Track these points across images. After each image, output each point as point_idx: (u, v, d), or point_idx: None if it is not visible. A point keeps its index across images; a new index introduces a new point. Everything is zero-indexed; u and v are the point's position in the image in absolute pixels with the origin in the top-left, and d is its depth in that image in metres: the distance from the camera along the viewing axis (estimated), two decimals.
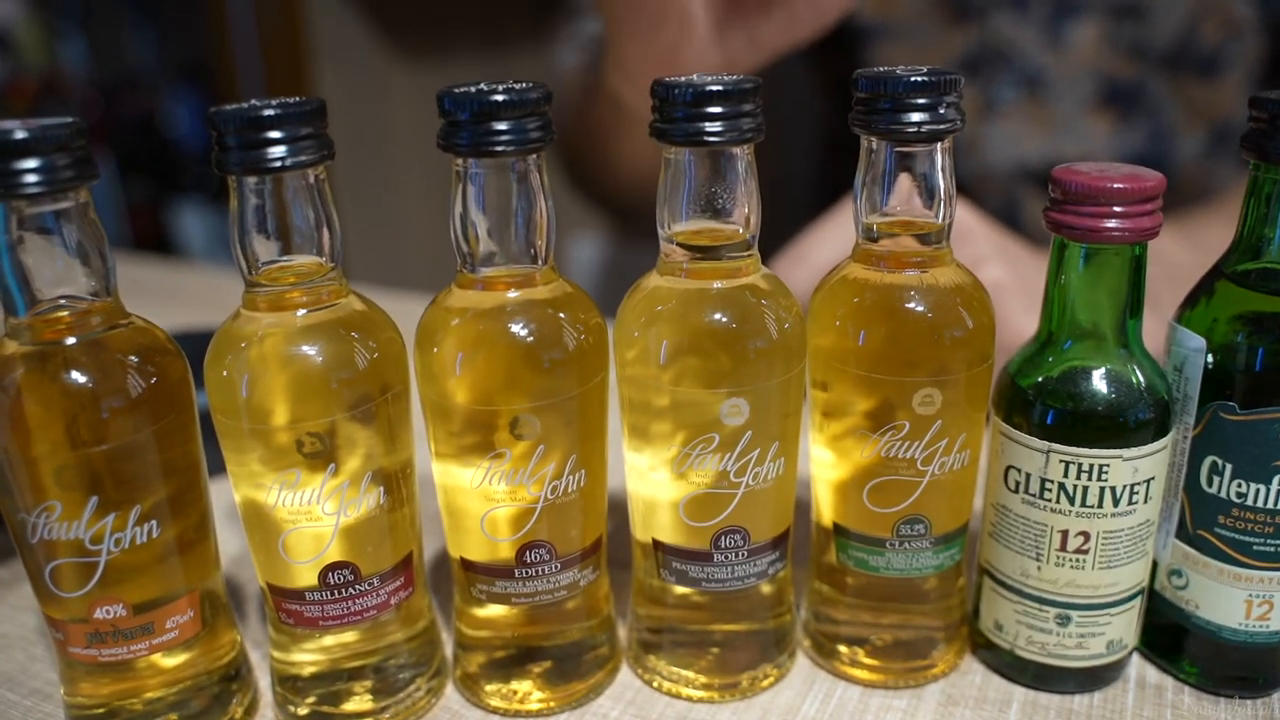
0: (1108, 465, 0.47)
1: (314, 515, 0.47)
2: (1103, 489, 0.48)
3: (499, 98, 0.43)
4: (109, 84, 2.59)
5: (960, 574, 0.54)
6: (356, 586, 0.48)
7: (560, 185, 1.15)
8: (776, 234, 0.73)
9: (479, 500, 0.48)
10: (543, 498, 0.48)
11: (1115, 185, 0.45)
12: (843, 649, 0.54)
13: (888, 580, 0.52)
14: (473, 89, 0.44)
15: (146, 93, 2.57)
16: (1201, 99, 1.00)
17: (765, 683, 0.53)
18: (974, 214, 0.75)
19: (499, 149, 0.44)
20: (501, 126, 0.44)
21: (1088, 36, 0.99)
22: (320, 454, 0.46)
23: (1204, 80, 0.99)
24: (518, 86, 0.44)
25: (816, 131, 1.34)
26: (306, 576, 0.48)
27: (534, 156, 0.46)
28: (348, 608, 0.49)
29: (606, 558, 0.54)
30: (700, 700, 0.53)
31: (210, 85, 2.29)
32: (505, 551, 0.49)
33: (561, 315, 0.47)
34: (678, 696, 0.53)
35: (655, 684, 0.54)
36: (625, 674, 0.55)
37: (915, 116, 0.45)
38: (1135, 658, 0.55)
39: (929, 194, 0.47)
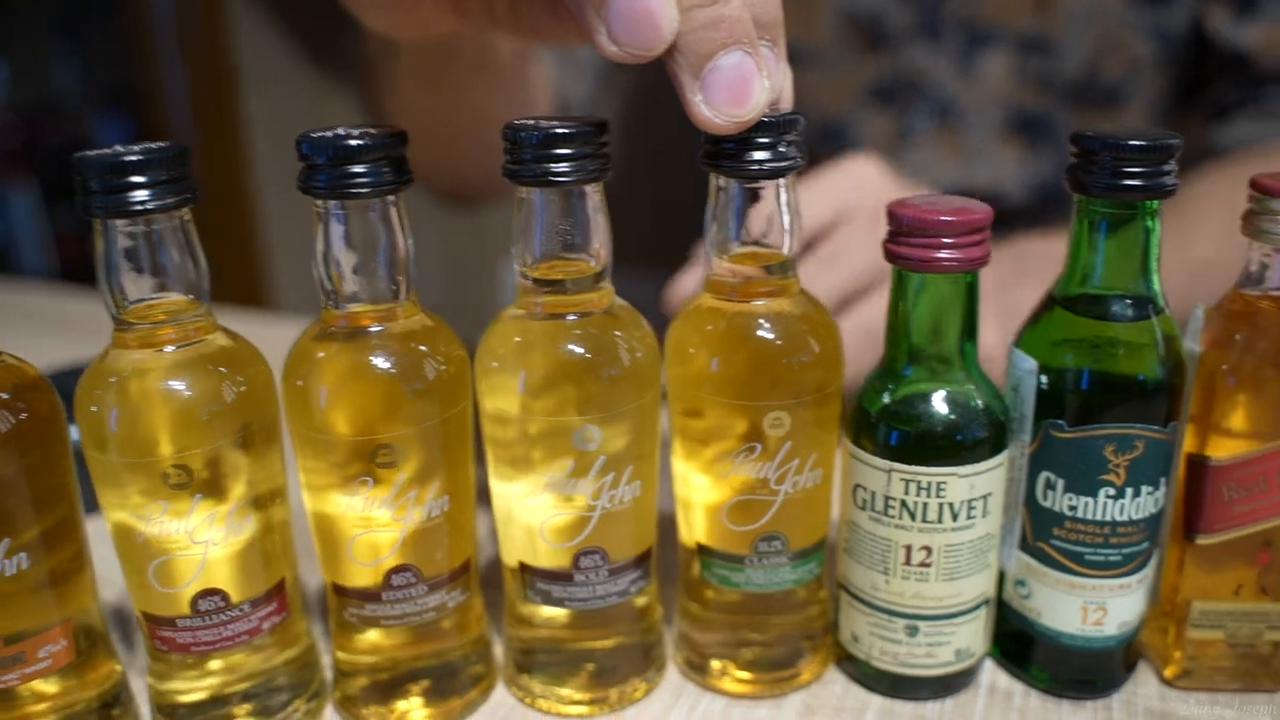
0: (945, 482, 0.50)
1: (183, 545, 0.48)
2: (941, 505, 0.50)
3: (355, 142, 0.45)
4: (32, 110, 2.58)
5: (821, 586, 0.56)
6: (228, 612, 0.50)
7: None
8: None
9: (346, 526, 0.50)
10: (406, 523, 0.50)
11: (944, 218, 0.47)
12: (714, 663, 0.56)
13: (750, 595, 0.54)
14: (329, 133, 0.46)
15: (72, 119, 2.56)
16: None
17: (635, 696, 0.55)
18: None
19: (356, 191, 0.46)
20: (358, 169, 0.46)
21: (998, 68, 1.02)
22: (188, 485, 0.47)
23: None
24: (373, 131, 0.46)
25: None
26: (178, 604, 0.49)
27: (391, 197, 0.47)
28: (220, 633, 0.50)
29: (478, 579, 0.55)
30: (572, 715, 0.54)
31: (137, 110, 2.28)
32: (373, 576, 0.51)
33: (423, 347, 0.49)
34: (550, 713, 0.55)
35: (528, 701, 0.55)
36: (500, 691, 0.57)
37: (758, 155, 0.48)
38: (989, 665, 0.58)
39: (775, 227, 0.50)
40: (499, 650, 0.58)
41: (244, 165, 1.82)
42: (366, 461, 0.49)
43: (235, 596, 0.50)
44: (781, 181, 0.49)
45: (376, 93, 0.89)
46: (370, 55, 0.86)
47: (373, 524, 0.50)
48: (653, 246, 1.02)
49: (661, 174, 1.21)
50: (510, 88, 0.83)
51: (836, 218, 0.77)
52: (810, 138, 1.11)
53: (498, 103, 0.83)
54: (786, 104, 0.50)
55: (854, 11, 1.04)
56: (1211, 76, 1.01)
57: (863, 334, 0.71)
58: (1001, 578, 0.56)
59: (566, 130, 0.46)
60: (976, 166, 1.06)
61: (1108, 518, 0.51)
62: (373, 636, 0.53)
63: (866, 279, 0.74)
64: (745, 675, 0.56)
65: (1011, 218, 0.81)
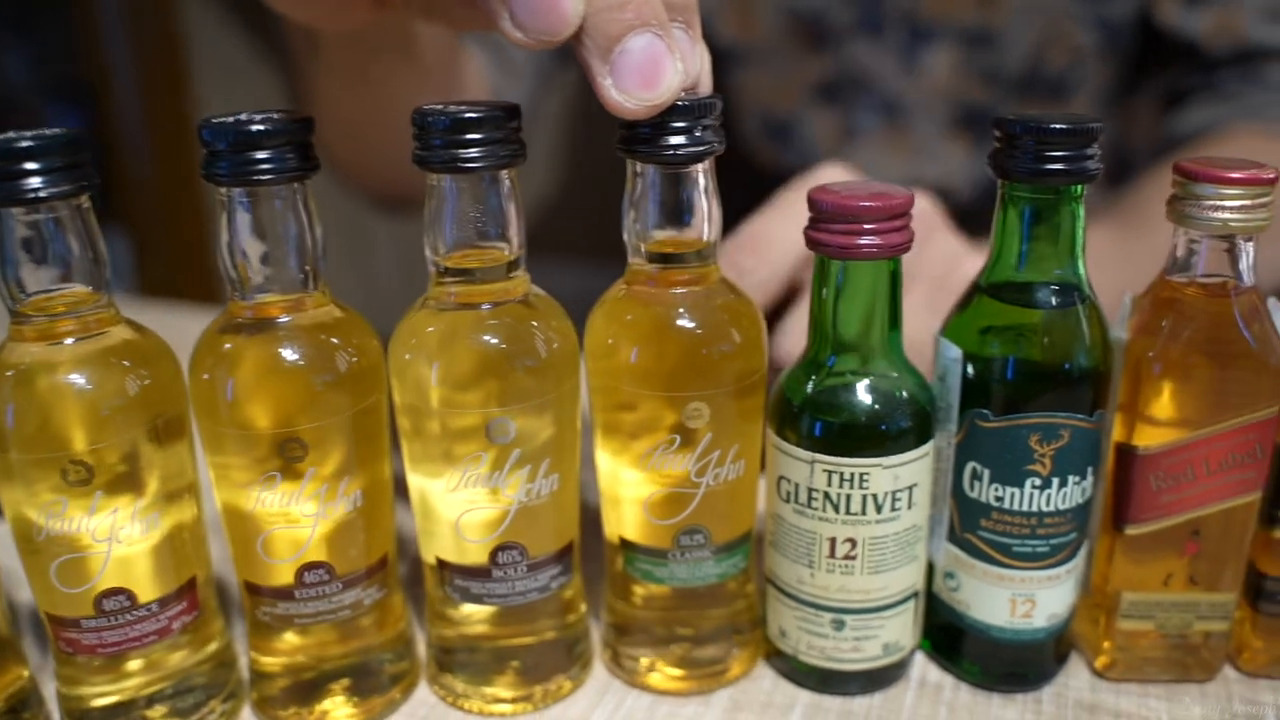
0: (869, 474, 0.49)
1: (83, 543, 0.47)
2: (865, 496, 0.49)
3: (257, 127, 0.44)
4: None
5: (749, 580, 0.55)
6: (134, 612, 0.48)
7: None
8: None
9: (256, 523, 0.49)
10: (317, 519, 0.49)
11: (864, 204, 0.46)
12: (641, 660, 0.55)
13: (675, 590, 0.53)
14: (231, 119, 0.45)
15: (24, 113, 2.52)
16: None
17: (560, 694, 0.54)
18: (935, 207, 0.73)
19: (259, 178, 0.45)
20: (262, 155, 0.44)
21: (942, 63, 1.01)
22: (89, 482, 0.46)
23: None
24: (277, 115, 0.45)
25: None
26: (82, 604, 0.48)
27: (298, 184, 0.46)
28: (126, 634, 0.49)
29: (398, 575, 0.54)
30: (494, 714, 0.53)
31: (90, 104, 2.26)
32: (285, 573, 0.49)
33: (334, 339, 0.48)
34: (473, 712, 0.54)
35: (451, 700, 0.54)
36: (423, 690, 0.55)
37: (674, 140, 0.46)
38: (921, 659, 0.57)
39: (693, 214, 0.49)
40: (423, 648, 0.57)
41: (195, 158, 1.79)
42: (275, 456, 0.48)
43: (142, 596, 0.49)
44: (700, 167, 0.48)
45: (304, 89, 0.87)
46: (295, 49, 0.85)
47: (283, 520, 0.48)
48: (595, 240, 1.01)
49: (611, 169, 1.20)
50: (439, 85, 0.82)
51: None
52: (757, 137, 1.10)
53: (424, 101, 0.81)
54: (705, 88, 0.49)
55: (796, 9, 1.03)
56: (1159, 65, 1.01)
57: None
58: (931, 570, 0.55)
59: (476, 115, 0.45)
60: (925, 162, 1.05)
61: (1034, 508, 0.50)
62: (288, 636, 0.52)
63: None
64: (673, 671, 0.55)
65: (961, 212, 0.80)
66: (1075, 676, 0.55)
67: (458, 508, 0.50)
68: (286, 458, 0.47)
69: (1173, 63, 0.99)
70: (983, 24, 0.98)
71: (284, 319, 0.48)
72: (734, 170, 0.76)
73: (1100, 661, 0.55)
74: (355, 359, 0.48)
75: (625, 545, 0.53)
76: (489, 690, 0.54)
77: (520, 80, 1.00)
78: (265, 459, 0.48)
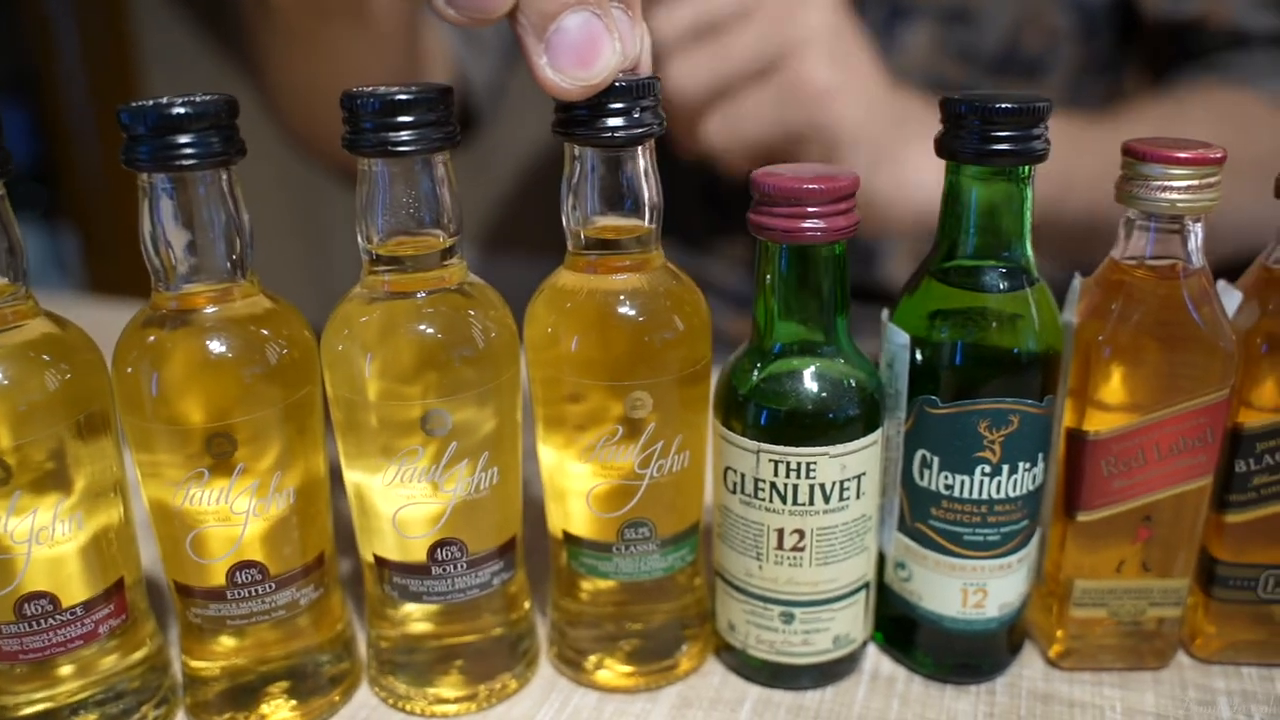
0: (815, 463, 0.48)
1: (3, 545, 0.45)
2: (812, 486, 0.48)
3: (178, 110, 0.42)
4: None
5: (697, 573, 0.54)
6: (58, 616, 0.47)
7: None
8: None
9: (184, 521, 0.47)
10: (249, 516, 0.47)
11: (808, 186, 0.45)
12: (590, 657, 0.54)
13: (620, 585, 0.52)
14: (151, 101, 0.43)
15: None
16: None
17: (506, 693, 0.53)
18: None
19: (180, 163, 0.43)
20: (183, 140, 0.43)
21: (920, 40, 1.01)
22: (5, 482, 0.44)
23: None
24: (199, 99, 0.43)
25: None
26: (0, 610, 0.46)
27: (223, 169, 0.44)
28: (49, 639, 0.47)
29: (336, 574, 0.53)
30: (438, 715, 0.52)
31: (37, 98, 2.22)
32: (215, 574, 0.48)
33: (264, 331, 0.47)
34: (415, 713, 0.52)
35: (392, 702, 0.53)
36: (364, 692, 0.54)
37: (612, 122, 0.45)
38: (874, 651, 0.56)
39: (634, 198, 0.47)
40: (365, 648, 0.55)
41: None
42: (204, 452, 0.46)
43: (66, 600, 0.47)
44: (640, 149, 0.47)
45: (258, 57, 0.85)
46: (247, 14, 0.83)
47: (212, 518, 0.47)
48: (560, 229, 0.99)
49: None
50: (394, 56, 0.80)
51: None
52: None
53: (380, 71, 0.79)
54: (645, 69, 0.48)
55: None
56: (1140, 49, 1.01)
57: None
58: (882, 561, 0.54)
59: (407, 97, 0.44)
60: None
61: (984, 496, 0.49)
62: (221, 638, 0.50)
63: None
64: (621, 668, 0.54)
65: None
66: (1029, 666, 0.54)
67: (395, 503, 0.48)
68: (215, 454, 0.46)
69: (1160, 47, 0.99)
70: (962, 2, 0.98)
71: (210, 310, 0.46)
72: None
73: (1054, 650, 0.54)
74: (286, 350, 0.47)
75: (569, 539, 0.52)
76: (432, 691, 0.52)
77: (486, 54, 0.98)
78: (194, 455, 0.46)
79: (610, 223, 0.48)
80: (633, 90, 0.45)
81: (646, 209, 0.48)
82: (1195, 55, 0.96)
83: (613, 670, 0.54)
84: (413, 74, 0.85)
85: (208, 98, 0.44)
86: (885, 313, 0.51)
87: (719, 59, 0.69)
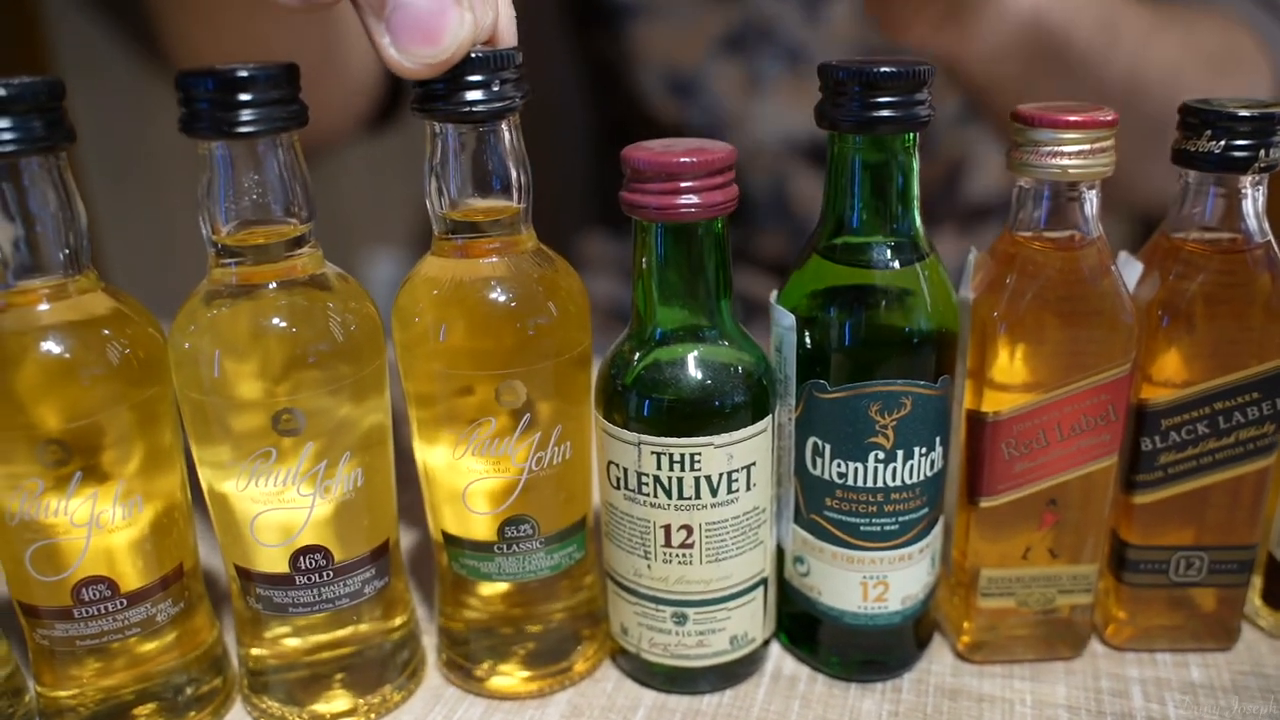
0: (699, 454, 0.45)
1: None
2: (698, 479, 0.46)
3: None
4: None
5: (588, 571, 0.52)
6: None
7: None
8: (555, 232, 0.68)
9: (22, 536, 0.44)
10: (90, 528, 0.44)
11: (681, 160, 0.43)
12: (481, 664, 0.51)
13: (506, 586, 0.49)
14: None
15: None
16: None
17: (388, 706, 0.50)
18: None
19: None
20: (2, 124, 0.40)
21: (844, 11, 0.99)
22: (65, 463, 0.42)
23: None
24: (16, 81, 0.40)
25: (589, 115, 1.31)
26: None
27: (51, 155, 0.41)
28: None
29: (202, 586, 0.49)
30: None
31: None
32: (59, 591, 0.44)
33: (104, 330, 0.43)
34: None
35: None
36: (238, 711, 0.51)
37: (470, 96, 0.42)
38: (779, 651, 0.53)
39: (501, 177, 0.45)
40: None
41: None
42: (33, 460, 0.42)
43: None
44: (505, 125, 0.44)
45: (163, 34, 0.82)
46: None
47: (51, 531, 0.43)
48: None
49: (544, 140, 1.14)
50: (312, 36, 0.76)
51: None
52: (659, 94, 1.06)
53: (290, 47, 0.76)
54: (508, 39, 0.45)
55: None
56: None
57: None
58: (781, 555, 0.52)
59: (246, 74, 0.40)
60: None
61: (879, 484, 0.47)
62: (74, 661, 0.47)
63: None
64: (513, 673, 0.51)
65: None
66: (939, 661, 0.52)
67: (250, 509, 0.45)
68: (48, 462, 0.43)
69: None
70: None
71: (44, 307, 0.43)
72: (636, 131, 0.72)
73: (963, 642, 0.52)
74: (127, 350, 0.44)
75: (449, 540, 0.49)
76: (310, 708, 0.49)
77: None
78: (24, 463, 0.42)
79: (477, 204, 0.45)
80: (491, 62, 0.42)
81: (515, 188, 0.45)
82: None
83: (504, 676, 0.51)
84: (331, 54, 0.81)
85: (27, 80, 0.40)
86: (774, 294, 0.49)
87: None
